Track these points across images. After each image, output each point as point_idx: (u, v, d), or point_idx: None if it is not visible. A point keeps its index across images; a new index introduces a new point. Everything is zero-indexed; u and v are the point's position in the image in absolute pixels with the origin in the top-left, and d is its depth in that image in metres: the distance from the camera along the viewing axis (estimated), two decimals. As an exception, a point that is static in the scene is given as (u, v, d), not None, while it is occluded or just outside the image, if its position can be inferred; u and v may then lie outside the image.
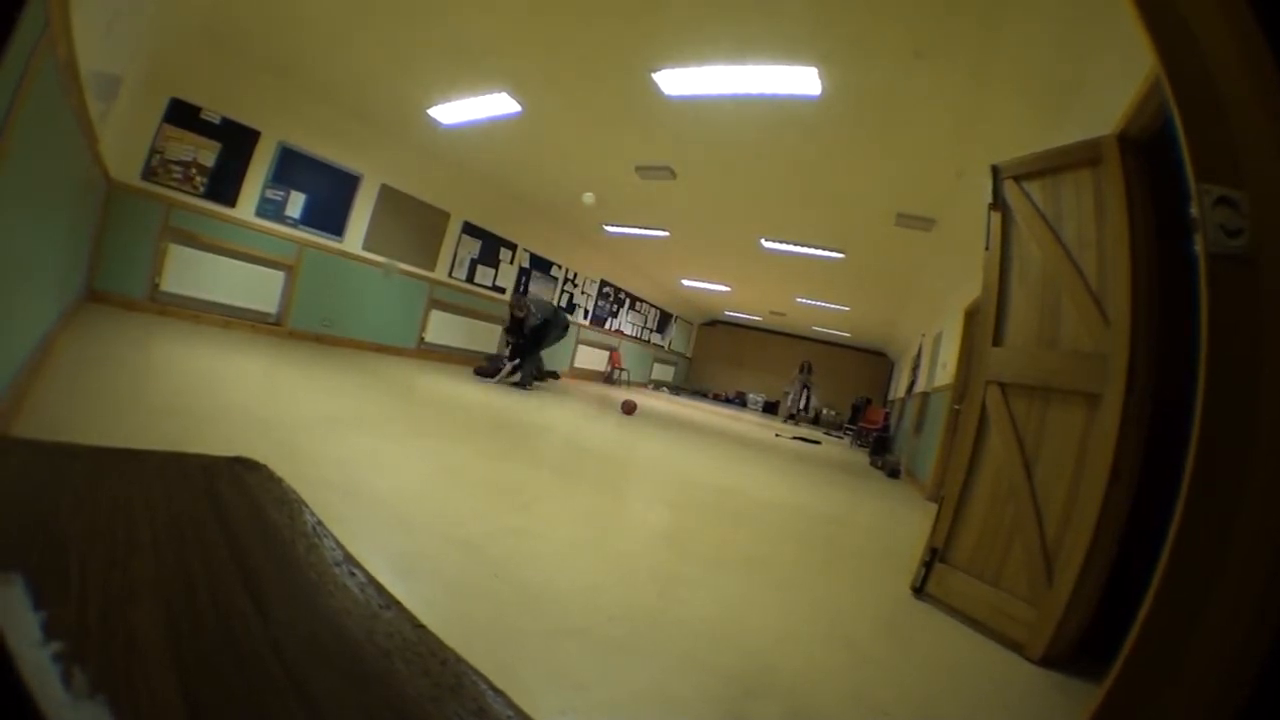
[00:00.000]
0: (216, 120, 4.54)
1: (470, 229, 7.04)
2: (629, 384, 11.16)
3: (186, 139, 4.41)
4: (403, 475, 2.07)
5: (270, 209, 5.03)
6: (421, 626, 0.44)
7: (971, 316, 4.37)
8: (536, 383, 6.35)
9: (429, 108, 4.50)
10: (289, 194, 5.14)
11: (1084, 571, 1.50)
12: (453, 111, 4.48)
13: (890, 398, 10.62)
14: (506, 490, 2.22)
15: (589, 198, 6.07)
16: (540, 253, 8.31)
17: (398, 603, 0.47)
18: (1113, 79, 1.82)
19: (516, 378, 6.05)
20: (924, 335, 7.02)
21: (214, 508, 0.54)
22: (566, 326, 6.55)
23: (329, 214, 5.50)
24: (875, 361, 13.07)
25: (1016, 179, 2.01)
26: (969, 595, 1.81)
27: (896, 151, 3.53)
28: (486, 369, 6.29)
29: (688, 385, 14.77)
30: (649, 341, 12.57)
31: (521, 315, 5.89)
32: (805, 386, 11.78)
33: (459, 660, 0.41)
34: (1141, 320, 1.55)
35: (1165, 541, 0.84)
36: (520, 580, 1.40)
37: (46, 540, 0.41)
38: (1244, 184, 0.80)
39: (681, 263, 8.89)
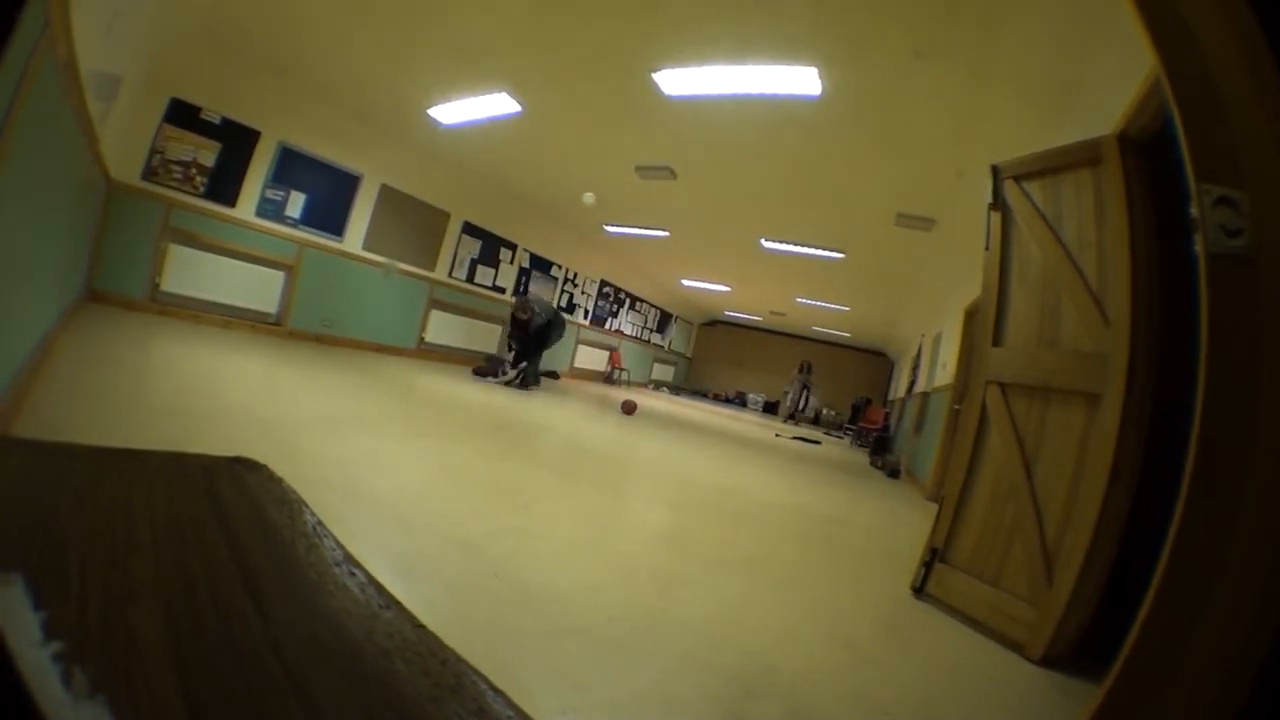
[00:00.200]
0: (216, 120, 4.54)
1: (470, 229, 7.04)
2: (629, 384, 11.16)
3: (186, 139, 4.41)
4: (403, 475, 2.07)
5: (270, 209, 5.03)
6: (421, 626, 0.44)
7: (971, 316, 4.37)
8: (534, 385, 6.34)
9: (429, 108, 4.50)
10: (289, 194, 5.14)
11: (1084, 571, 1.50)
12: (453, 111, 4.48)
13: (890, 398, 10.62)
14: (506, 490, 2.22)
15: (589, 198, 6.07)
16: (540, 253, 8.31)
17: (398, 603, 0.47)
18: (1113, 79, 1.82)
19: (510, 376, 6.03)
20: (924, 335, 7.02)
21: (214, 508, 0.54)
22: (564, 326, 6.56)
23: (329, 214, 5.50)
24: (875, 361, 13.07)
25: (1016, 179, 2.01)
26: (969, 595, 1.81)
27: (896, 151, 3.53)
28: (485, 369, 6.28)
29: (688, 385, 14.77)
30: (649, 341, 12.57)
31: (526, 317, 5.87)
32: (805, 386, 11.78)
33: (459, 660, 0.41)
34: (1141, 320, 1.55)
35: (1165, 541, 0.84)
36: (520, 580, 1.40)
37: (46, 540, 0.41)
38: (1244, 184, 0.80)
39: (681, 263, 8.89)
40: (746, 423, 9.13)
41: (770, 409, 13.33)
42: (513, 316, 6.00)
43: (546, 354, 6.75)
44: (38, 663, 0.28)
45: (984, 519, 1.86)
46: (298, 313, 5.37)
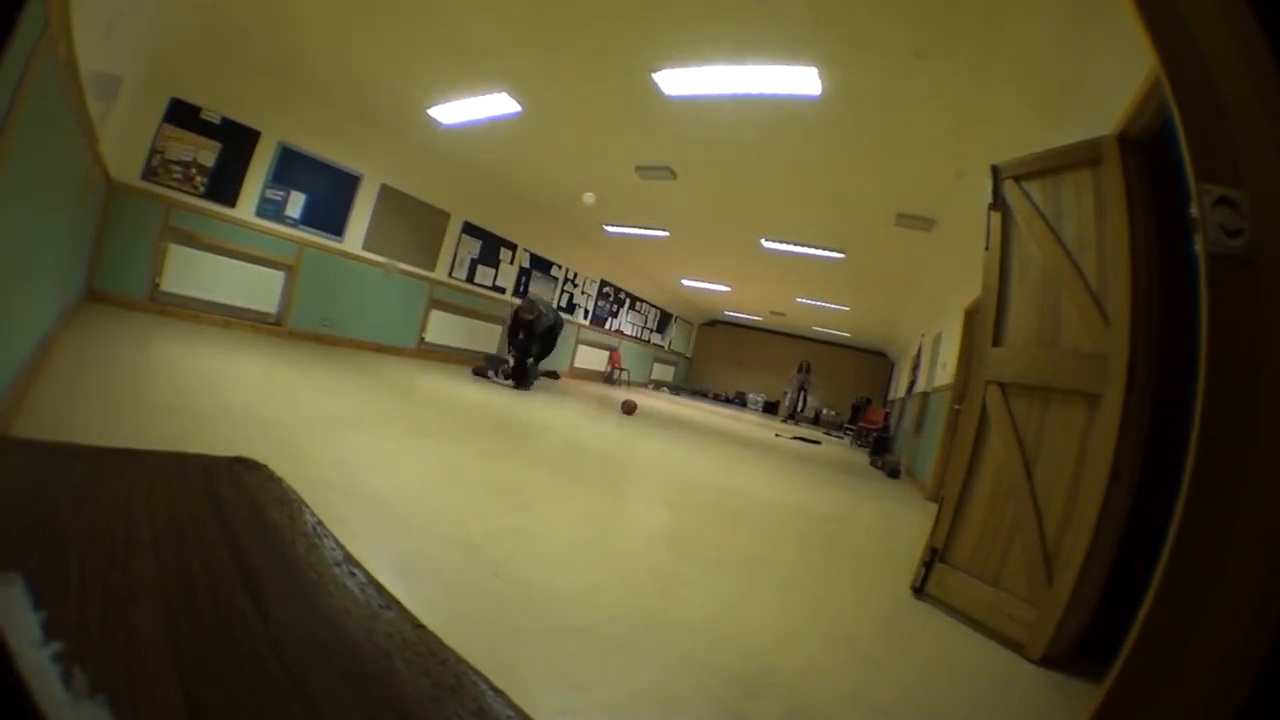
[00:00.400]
0: (216, 120, 4.54)
1: (470, 229, 7.04)
2: (629, 384, 11.16)
3: (186, 139, 4.41)
4: (403, 475, 2.07)
5: (270, 209, 5.03)
6: (421, 626, 0.44)
7: (971, 316, 4.37)
8: (533, 384, 6.34)
9: (429, 108, 4.50)
10: (289, 194, 5.14)
11: (1084, 571, 1.50)
12: (453, 111, 4.48)
13: (890, 398, 10.62)
14: (506, 490, 2.22)
15: (589, 198, 6.07)
16: (540, 253, 8.31)
17: (398, 603, 0.47)
18: (1113, 79, 1.81)
19: (508, 373, 6.03)
20: (924, 335, 7.02)
21: (214, 508, 0.54)
22: (563, 327, 6.57)
23: (329, 214, 5.50)
24: (875, 361, 13.07)
25: (1016, 179, 2.01)
26: (969, 595, 1.81)
27: (896, 151, 3.53)
28: (485, 368, 6.28)
29: (688, 385, 14.77)
30: (649, 341, 12.57)
31: (532, 318, 5.86)
32: (802, 387, 11.76)
33: (459, 660, 0.41)
34: (1141, 320, 1.55)
35: (1165, 541, 0.84)
36: (520, 580, 1.40)
37: (46, 540, 0.41)
38: (1244, 184, 0.80)
39: (681, 263, 8.89)
40: (746, 423, 9.13)
41: (770, 409, 13.33)
42: (516, 317, 5.99)
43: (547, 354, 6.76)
44: (38, 663, 0.28)
45: (984, 519, 1.86)
46: (298, 313, 5.37)
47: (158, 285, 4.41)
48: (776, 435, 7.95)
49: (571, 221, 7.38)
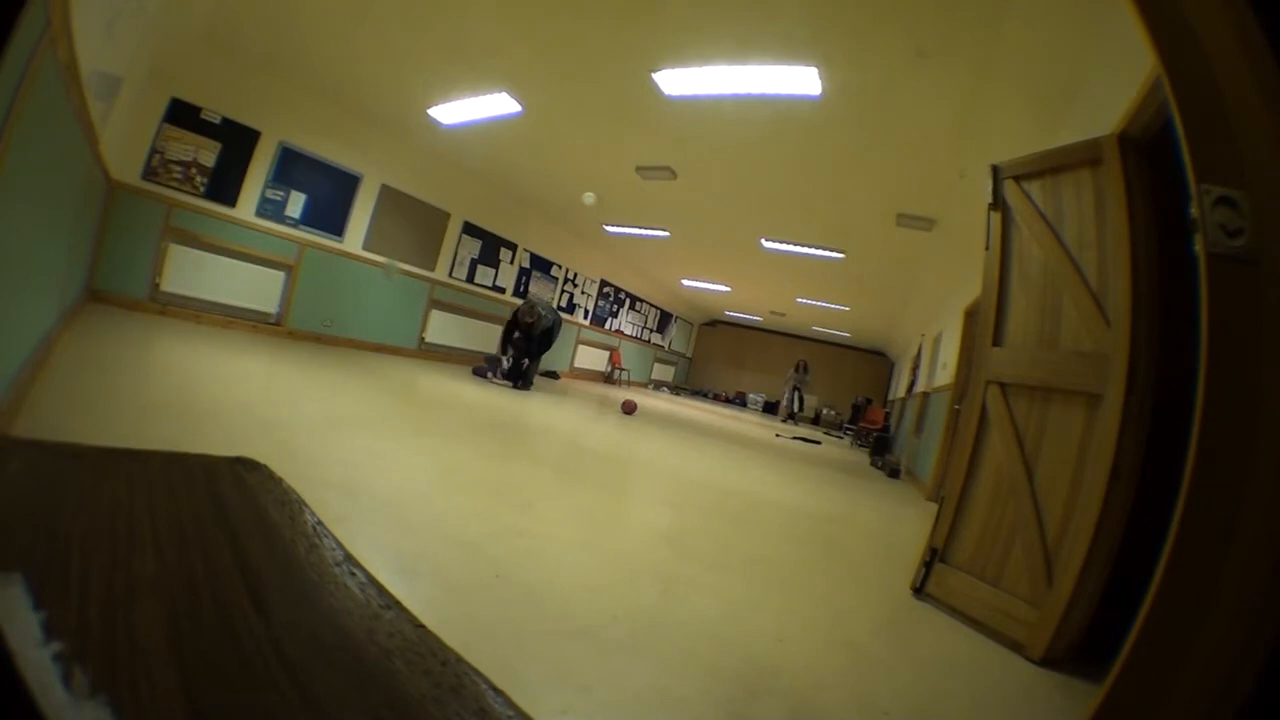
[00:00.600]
0: (217, 120, 4.54)
1: (470, 229, 7.04)
2: (629, 384, 11.16)
3: (187, 139, 4.41)
4: (403, 475, 2.07)
5: (270, 209, 5.03)
6: (422, 626, 0.44)
7: (971, 316, 4.37)
8: (530, 384, 6.34)
9: (429, 108, 4.50)
10: (289, 194, 5.14)
11: (1084, 571, 1.50)
12: (453, 111, 4.48)
13: (890, 398, 10.62)
14: (507, 490, 2.22)
15: (589, 198, 6.07)
16: (540, 253, 8.31)
17: (398, 603, 0.47)
18: (1113, 79, 1.81)
19: (506, 374, 6.03)
20: (924, 335, 7.02)
21: (215, 508, 0.54)
22: (561, 326, 6.58)
23: (329, 214, 5.50)
24: (875, 361, 13.07)
25: (1017, 179, 2.01)
26: (969, 595, 1.81)
27: (897, 151, 3.53)
28: (485, 369, 6.28)
29: (688, 385, 14.76)
30: (649, 341, 12.56)
31: (532, 321, 5.86)
32: (796, 387, 11.70)
33: (460, 660, 0.41)
34: (1142, 320, 1.55)
35: (1165, 541, 0.84)
36: (522, 580, 1.40)
37: (48, 540, 0.41)
38: (1244, 184, 0.80)
39: (681, 263, 8.88)
40: (746, 423, 9.12)
41: (770, 409, 13.31)
42: (516, 319, 5.98)
43: (547, 354, 6.75)
44: (38, 663, 0.28)
45: (984, 519, 1.86)
46: (298, 312, 5.37)
47: (158, 285, 4.41)
48: (777, 435, 7.94)
49: (572, 221, 7.38)
